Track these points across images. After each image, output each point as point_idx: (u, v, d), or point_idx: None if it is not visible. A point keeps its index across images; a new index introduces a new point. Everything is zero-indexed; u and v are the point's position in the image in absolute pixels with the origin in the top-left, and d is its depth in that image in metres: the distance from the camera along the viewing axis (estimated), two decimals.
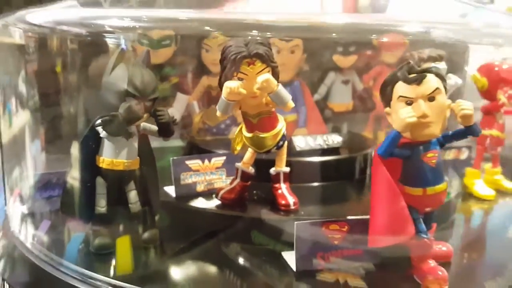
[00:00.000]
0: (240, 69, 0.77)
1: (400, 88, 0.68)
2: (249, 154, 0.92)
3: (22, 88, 1.00)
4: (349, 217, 0.77)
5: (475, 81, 1.18)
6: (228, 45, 0.78)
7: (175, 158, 0.95)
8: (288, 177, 0.91)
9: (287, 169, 0.91)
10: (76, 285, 0.75)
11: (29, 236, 0.92)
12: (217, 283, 0.78)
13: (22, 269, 0.86)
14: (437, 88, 0.67)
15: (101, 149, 0.81)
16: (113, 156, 0.80)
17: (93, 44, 0.89)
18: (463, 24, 0.96)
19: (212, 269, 0.80)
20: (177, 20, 0.84)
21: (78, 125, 0.94)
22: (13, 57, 1.01)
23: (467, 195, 1.17)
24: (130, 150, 0.81)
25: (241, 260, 0.82)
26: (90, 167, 0.82)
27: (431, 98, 0.67)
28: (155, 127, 0.82)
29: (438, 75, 0.69)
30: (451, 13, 1.02)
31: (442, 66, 1.03)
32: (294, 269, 0.76)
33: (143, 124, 0.82)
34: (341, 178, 1.06)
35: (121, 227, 0.86)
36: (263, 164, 0.92)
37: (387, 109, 0.71)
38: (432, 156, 0.70)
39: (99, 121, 0.79)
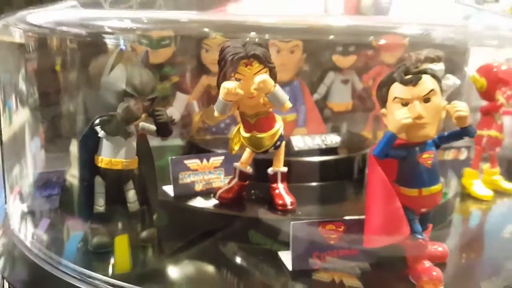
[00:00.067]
0: (238, 69, 0.77)
1: (396, 89, 0.69)
2: (247, 154, 0.92)
3: (22, 86, 1.00)
4: (345, 217, 0.78)
5: (474, 82, 1.18)
6: (226, 46, 0.78)
7: (173, 157, 0.95)
8: (286, 177, 0.92)
9: (285, 169, 0.91)
10: (75, 283, 0.76)
11: (28, 234, 0.92)
12: (214, 282, 0.78)
13: (22, 267, 0.86)
14: (432, 90, 0.67)
15: (100, 148, 0.81)
16: (112, 156, 0.81)
17: (92, 45, 0.89)
18: (463, 26, 0.96)
19: (209, 268, 0.81)
20: (177, 22, 0.84)
21: (77, 124, 0.95)
22: (13, 56, 1.02)
23: (465, 195, 1.17)
24: (128, 150, 0.81)
25: (238, 259, 0.83)
26: (89, 166, 0.82)
27: (426, 100, 0.67)
28: (153, 127, 0.83)
29: (434, 76, 0.69)
30: (453, 15, 1.02)
31: (439, 67, 1.03)
32: (290, 268, 0.77)
33: (142, 124, 0.83)
34: (339, 178, 1.06)
35: (119, 226, 0.87)
36: (261, 163, 0.92)
37: (383, 110, 0.71)
38: (427, 157, 0.70)
39: (97, 120, 0.80)
